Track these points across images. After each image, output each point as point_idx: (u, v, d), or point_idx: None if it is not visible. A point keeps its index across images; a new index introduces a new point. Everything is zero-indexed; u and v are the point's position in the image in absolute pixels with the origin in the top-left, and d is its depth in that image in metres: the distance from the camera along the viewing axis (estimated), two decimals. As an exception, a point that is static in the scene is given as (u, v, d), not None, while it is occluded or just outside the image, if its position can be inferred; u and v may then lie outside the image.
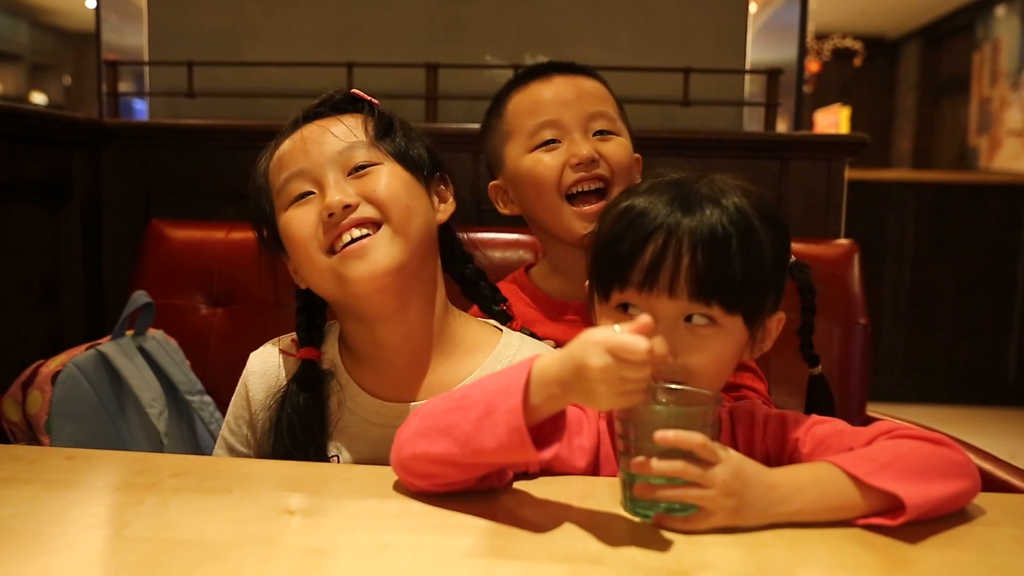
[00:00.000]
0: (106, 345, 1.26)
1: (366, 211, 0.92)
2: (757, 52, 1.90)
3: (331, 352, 1.00)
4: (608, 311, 0.81)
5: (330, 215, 0.91)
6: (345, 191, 0.92)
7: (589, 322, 0.95)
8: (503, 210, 1.22)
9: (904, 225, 3.90)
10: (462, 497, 0.73)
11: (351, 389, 0.97)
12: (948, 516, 0.71)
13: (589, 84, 1.18)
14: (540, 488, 0.77)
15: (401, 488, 0.76)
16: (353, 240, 0.90)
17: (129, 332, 1.32)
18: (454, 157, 1.64)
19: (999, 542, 0.68)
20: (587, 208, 1.12)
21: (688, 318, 0.77)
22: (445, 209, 1.01)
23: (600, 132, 1.15)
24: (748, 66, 1.85)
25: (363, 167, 0.95)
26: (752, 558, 0.63)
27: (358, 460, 0.95)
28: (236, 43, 1.87)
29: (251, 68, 1.85)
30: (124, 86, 1.88)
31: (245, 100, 1.85)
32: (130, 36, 1.99)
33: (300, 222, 0.93)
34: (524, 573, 0.59)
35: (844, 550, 0.65)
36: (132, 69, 1.93)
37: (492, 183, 1.24)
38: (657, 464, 0.67)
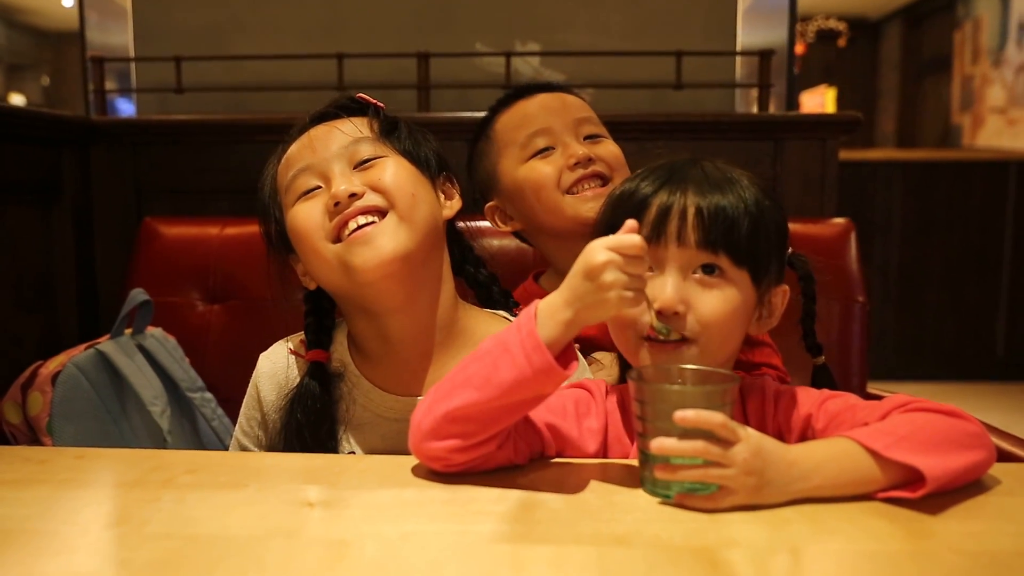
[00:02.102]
0: (105, 344, 1.25)
1: (372, 199, 0.92)
2: (746, 34, 1.90)
3: (340, 351, 1.00)
4: None
5: (336, 204, 0.90)
6: (351, 181, 0.93)
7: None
8: (503, 227, 1.23)
9: (891, 204, 3.92)
10: (480, 483, 0.73)
11: (363, 386, 0.97)
12: (966, 487, 0.71)
13: (570, 97, 1.22)
14: (556, 472, 0.77)
15: (418, 476, 0.76)
16: (359, 228, 0.90)
17: (128, 331, 1.31)
18: (448, 146, 1.61)
19: (1017, 511, 0.69)
20: (590, 191, 1.13)
21: (696, 270, 0.78)
22: (452, 206, 1.02)
23: (590, 136, 1.18)
24: (738, 48, 1.85)
25: (369, 160, 0.95)
26: (777, 533, 0.63)
27: None
28: (223, 37, 1.85)
29: (240, 62, 1.83)
30: (107, 84, 1.86)
31: (235, 94, 1.84)
32: (112, 34, 1.97)
33: (306, 215, 0.93)
34: (551, 557, 0.59)
35: (866, 523, 0.65)
36: (115, 67, 1.90)
37: (488, 204, 1.24)
38: (677, 445, 0.67)
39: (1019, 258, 3.88)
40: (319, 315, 1.01)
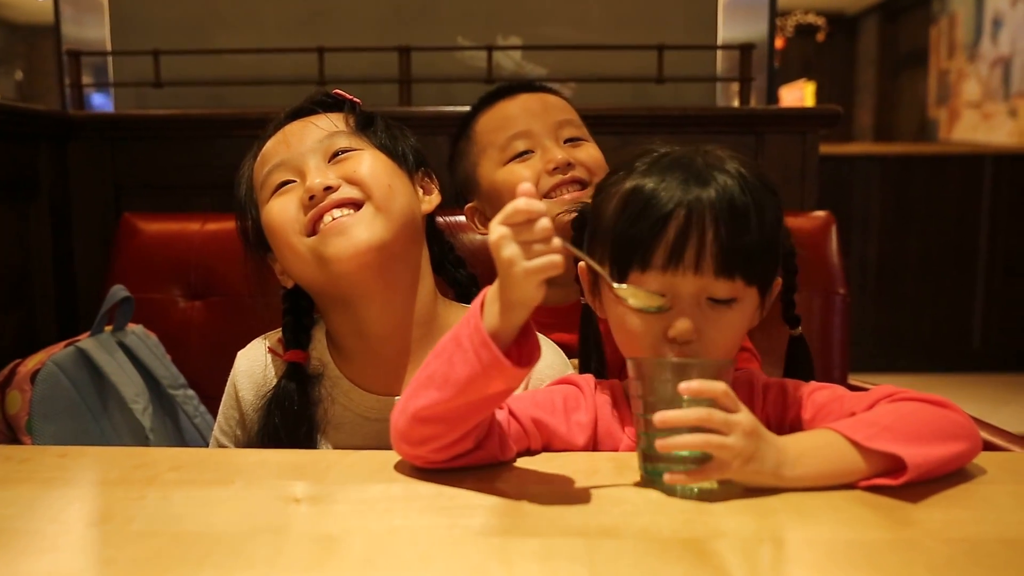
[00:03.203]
0: (85, 342, 1.24)
1: (347, 192, 0.91)
2: (726, 29, 1.91)
3: (319, 350, 0.99)
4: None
5: (311, 198, 0.90)
6: (325, 174, 0.92)
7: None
8: (481, 229, 1.22)
9: (869, 198, 3.96)
10: (467, 477, 0.73)
11: (342, 385, 0.96)
12: (949, 475, 0.72)
13: (552, 98, 1.21)
14: (543, 465, 0.77)
15: (404, 471, 0.75)
16: (334, 220, 0.90)
17: (108, 328, 1.30)
18: (430, 141, 1.61)
19: (997, 499, 0.69)
20: (567, 196, 1.12)
21: (709, 296, 0.77)
22: (430, 201, 1.01)
23: (570, 140, 1.17)
24: (719, 42, 1.85)
25: (344, 151, 0.94)
26: (763, 524, 0.64)
27: None
28: (202, 31, 1.83)
29: (219, 56, 1.81)
30: (84, 79, 1.83)
31: (214, 89, 1.82)
32: (88, 28, 1.94)
33: (280, 209, 0.92)
34: (540, 549, 0.59)
35: (850, 512, 0.66)
36: (90, 61, 1.88)
37: (468, 205, 1.24)
38: (683, 414, 0.67)
39: (994, 250, 3.93)
40: (297, 314, 1.00)
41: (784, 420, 0.81)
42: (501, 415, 0.78)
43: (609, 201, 0.81)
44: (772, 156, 1.64)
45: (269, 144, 0.97)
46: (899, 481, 0.68)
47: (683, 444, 0.67)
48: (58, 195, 1.61)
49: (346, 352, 0.98)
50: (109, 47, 1.85)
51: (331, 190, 0.90)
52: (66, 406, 1.18)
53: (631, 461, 0.76)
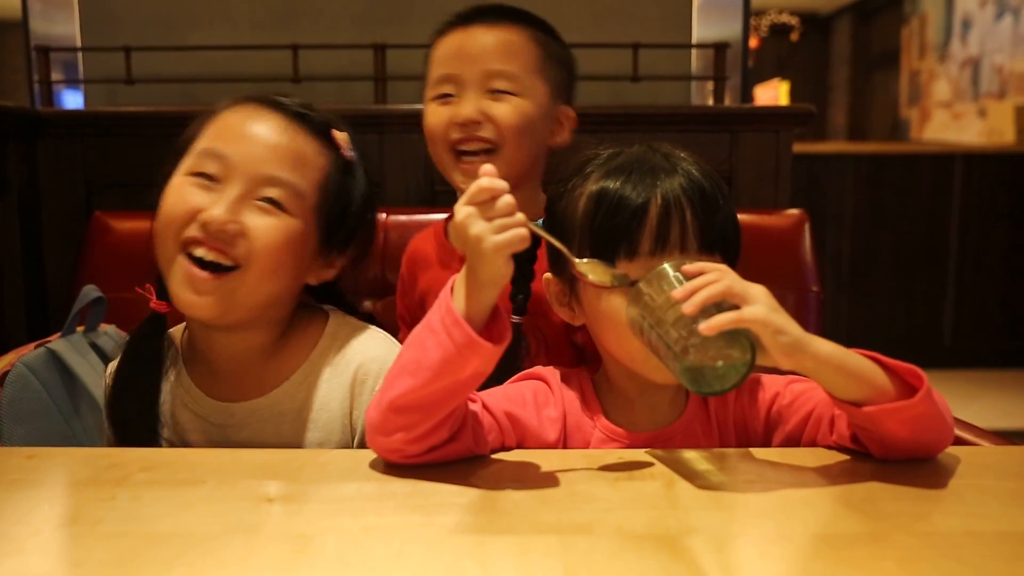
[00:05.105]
0: (56, 343, 1.22)
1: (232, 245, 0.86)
2: (701, 28, 1.92)
3: (177, 334, 0.99)
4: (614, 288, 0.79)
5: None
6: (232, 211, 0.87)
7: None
8: None
9: (843, 196, 4.00)
10: (442, 475, 0.73)
11: (184, 381, 0.97)
12: (918, 469, 0.73)
13: (504, 36, 1.13)
14: (517, 463, 0.77)
15: (379, 469, 0.75)
16: (203, 263, 0.86)
17: (80, 328, 1.28)
18: (404, 139, 1.62)
19: (966, 492, 0.70)
20: (467, 165, 1.11)
21: None
22: (323, 275, 0.96)
23: (497, 91, 1.11)
24: (693, 41, 1.86)
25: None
26: (735, 520, 0.64)
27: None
28: (174, 27, 1.81)
29: (191, 52, 1.79)
30: (53, 75, 1.81)
31: (186, 85, 1.80)
32: (58, 24, 1.91)
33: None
34: (514, 547, 0.59)
35: (821, 507, 0.67)
36: (60, 57, 1.85)
37: None
38: (708, 290, 0.68)
39: (965, 248, 3.98)
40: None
41: (760, 410, 0.82)
42: (475, 408, 0.78)
43: (575, 203, 0.82)
44: (746, 155, 1.65)
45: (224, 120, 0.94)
46: (914, 400, 0.69)
47: (709, 293, 0.68)
48: (27, 193, 1.58)
49: (196, 353, 0.97)
50: (79, 43, 1.82)
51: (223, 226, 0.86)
52: (36, 408, 1.16)
53: (605, 458, 0.76)
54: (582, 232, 0.81)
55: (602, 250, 0.79)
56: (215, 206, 0.86)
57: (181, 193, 0.89)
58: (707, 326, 0.67)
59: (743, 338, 0.68)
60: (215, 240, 0.86)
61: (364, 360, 0.93)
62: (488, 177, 0.69)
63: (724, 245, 0.80)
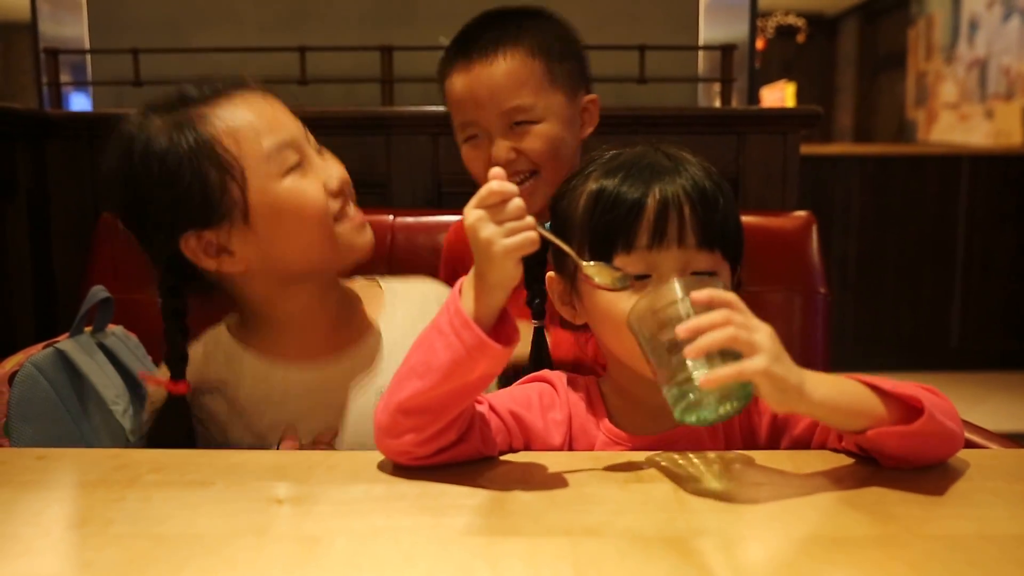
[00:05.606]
0: (64, 343, 1.22)
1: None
2: (707, 30, 1.92)
3: (224, 346, 1.09)
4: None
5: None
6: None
7: None
8: None
9: (850, 197, 4.00)
10: (451, 477, 0.73)
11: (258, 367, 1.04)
12: (927, 472, 0.73)
13: (507, 68, 1.11)
14: (526, 465, 0.77)
15: (388, 472, 0.75)
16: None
17: (87, 329, 1.28)
18: (411, 141, 1.62)
19: (978, 495, 0.70)
20: (522, 189, 1.11)
21: (692, 271, 0.78)
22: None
23: (519, 123, 1.13)
24: (700, 43, 1.86)
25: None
26: (745, 522, 0.64)
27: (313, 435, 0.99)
28: (182, 29, 1.82)
29: (199, 55, 1.80)
30: (62, 77, 1.82)
31: (194, 88, 1.80)
32: (66, 26, 1.92)
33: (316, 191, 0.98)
34: (525, 549, 0.59)
35: (831, 509, 0.66)
36: (68, 60, 1.86)
37: None
38: (707, 317, 0.66)
39: (971, 250, 3.97)
40: (184, 337, 1.08)
41: (755, 416, 0.82)
42: (482, 409, 0.79)
43: (575, 201, 0.83)
44: (753, 156, 1.65)
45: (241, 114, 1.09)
46: (914, 426, 0.69)
47: (713, 340, 0.65)
48: (36, 195, 1.59)
49: (273, 334, 1.05)
50: (87, 45, 1.83)
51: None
52: (45, 408, 1.17)
53: (613, 460, 0.76)
54: (582, 229, 0.81)
55: (600, 245, 0.79)
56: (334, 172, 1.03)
57: (296, 190, 1.01)
58: (706, 379, 0.65)
59: (740, 387, 0.67)
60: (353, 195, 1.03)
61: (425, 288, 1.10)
62: (498, 180, 0.70)
63: (724, 243, 0.80)
